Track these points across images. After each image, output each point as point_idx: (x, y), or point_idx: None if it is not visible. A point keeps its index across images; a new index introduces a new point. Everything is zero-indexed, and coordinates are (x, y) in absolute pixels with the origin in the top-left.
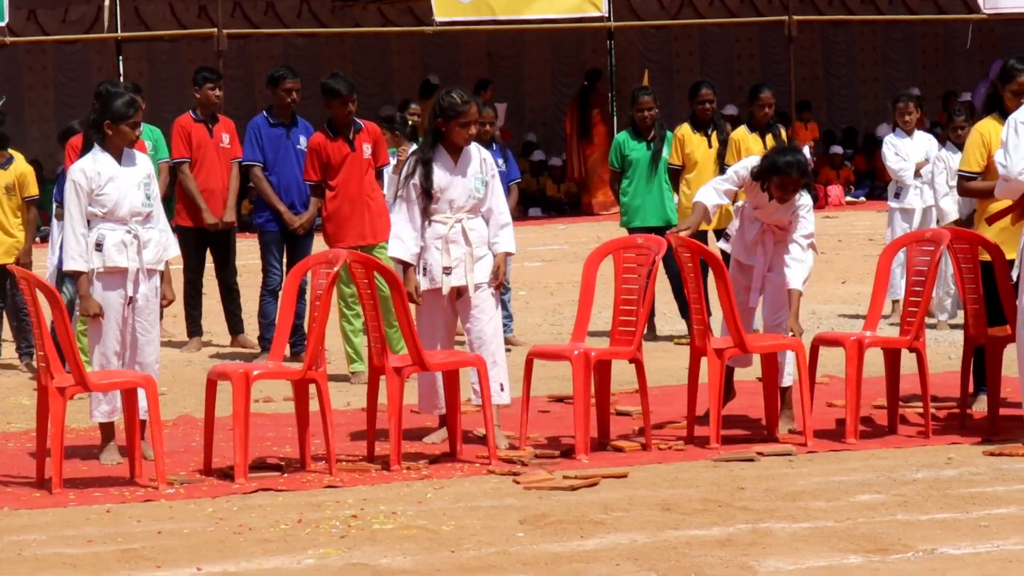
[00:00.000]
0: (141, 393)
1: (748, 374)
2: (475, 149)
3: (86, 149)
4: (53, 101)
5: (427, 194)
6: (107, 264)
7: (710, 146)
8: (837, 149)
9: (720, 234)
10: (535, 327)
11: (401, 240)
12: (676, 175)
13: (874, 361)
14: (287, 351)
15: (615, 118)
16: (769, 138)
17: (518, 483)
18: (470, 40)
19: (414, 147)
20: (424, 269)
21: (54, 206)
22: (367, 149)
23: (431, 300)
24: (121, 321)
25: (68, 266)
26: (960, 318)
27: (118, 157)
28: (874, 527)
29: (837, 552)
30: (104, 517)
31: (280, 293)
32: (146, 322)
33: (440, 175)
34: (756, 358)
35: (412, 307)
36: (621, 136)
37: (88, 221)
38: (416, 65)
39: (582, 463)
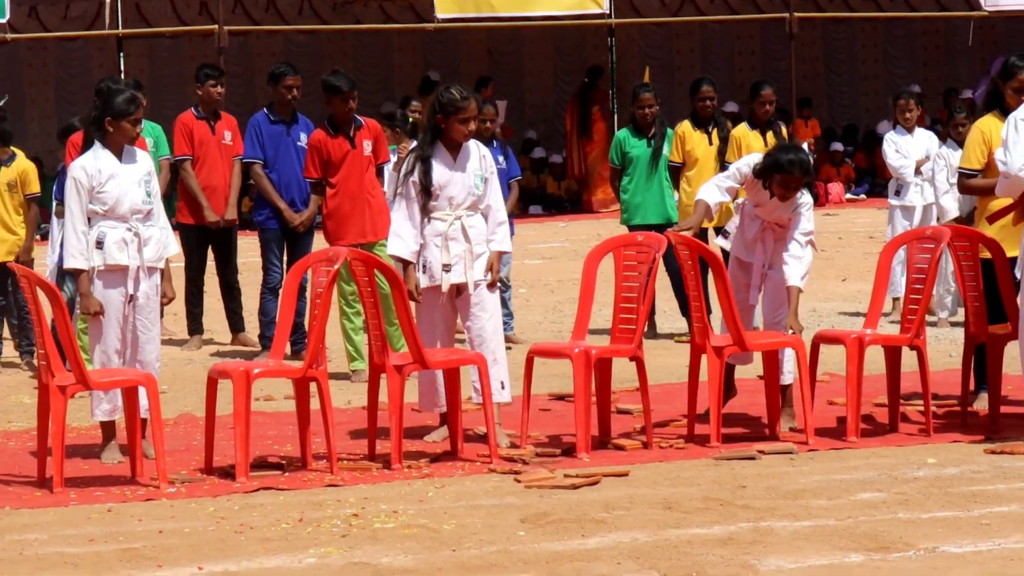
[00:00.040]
0: (142, 391)
1: (749, 372)
2: (474, 146)
3: (87, 146)
4: (54, 98)
5: (426, 191)
6: (108, 262)
7: (711, 143)
8: (838, 146)
9: (719, 231)
10: (535, 325)
11: (400, 238)
12: (677, 172)
13: (875, 359)
14: (287, 349)
15: (616, 115)
16: (770, 135)
17: (519, 482)
18: (471, 37)
19: (415, 144)
20: (424, 267)
21: (54, 204)
22: (368, 146)
23: (431, 298)
24: (122, 319)
25: (69, 264)
26: (961, 316)
27: (119, 154)
28: (875, 525)
29: (838, 551)
30: (105, 516)
31: (280, 291)
32: (147, 320)
33: (439, 172)
34: (757, 355)
35: (412, 305)
36: (622, 133)
37: (88, 219)
38: (417, 62)
39: (583, 461)
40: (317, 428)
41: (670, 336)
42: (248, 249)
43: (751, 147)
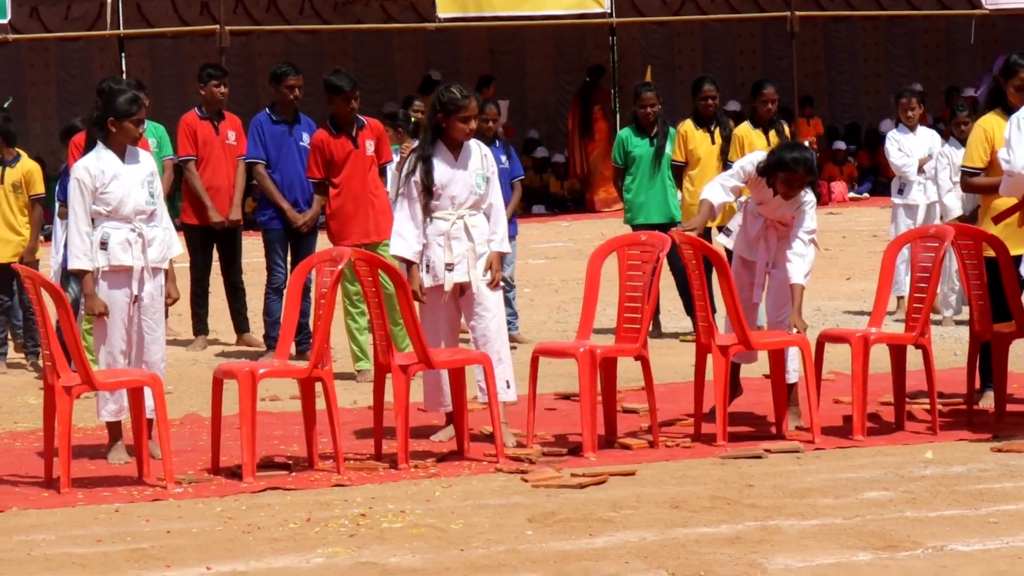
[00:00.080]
0: (147, 392)
1: (755, 371)
2: (475, 145)
3: (89, 147)
4: (55, 98)
5: (428, 191)
6: (112, 263)
7: (713, 142)
8: (840, 145)
9: (721, 229)
10: (540, 324)
11: (403, 238)
12: (679, 171)
13: (880, 358)
14: (292, 349)
15: (617, 114)
16: (772, 134)
17: (526, 481)
18: (472, 36)
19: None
20: (427, 266)
21: (56, 204)
22: (370, 146)
23: (434, 297)
24: (127, 320)
25: (73, 265)
26: (965, 314)
27: (121, 155)
28: (883, 524)
29: (846, 549)
30: (113, 516)
31: (284, 291)
32: (152, 320)
33: (441, 171)
34: (761, 354)
35: (416, 305)
36: (624, 132)
37: (92, 219)
38: (418, 62)
39: (590, 461)
40: (323, 428)
41: (675, 335)
42: (252, 249)
43: (754, 146)
